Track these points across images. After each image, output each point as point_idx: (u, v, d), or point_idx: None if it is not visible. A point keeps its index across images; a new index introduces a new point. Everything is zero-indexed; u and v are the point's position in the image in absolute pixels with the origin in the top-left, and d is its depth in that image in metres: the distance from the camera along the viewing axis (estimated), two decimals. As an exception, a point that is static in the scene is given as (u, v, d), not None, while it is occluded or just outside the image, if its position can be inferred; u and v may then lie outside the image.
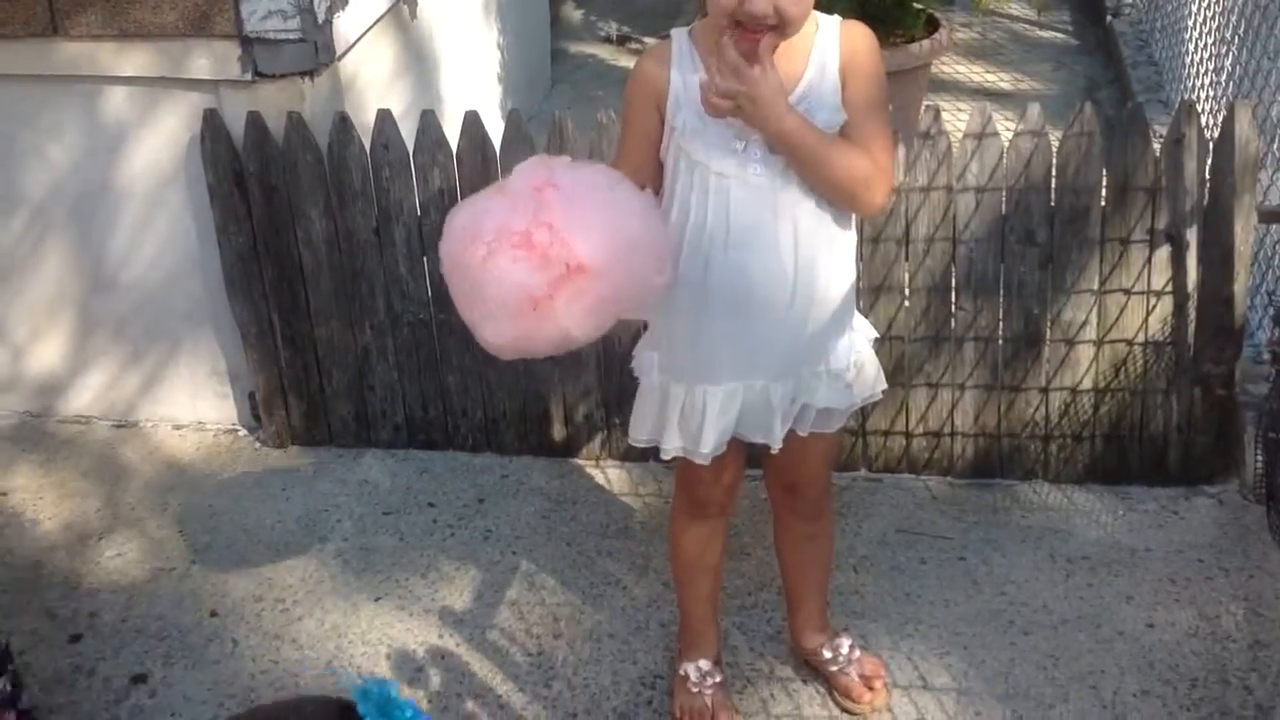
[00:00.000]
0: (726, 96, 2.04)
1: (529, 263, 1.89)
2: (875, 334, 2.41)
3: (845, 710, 2.53)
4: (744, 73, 2.02)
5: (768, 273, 2.18)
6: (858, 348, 2.33)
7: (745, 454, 2.41)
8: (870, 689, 2.53)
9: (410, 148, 3.15)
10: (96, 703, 2.65)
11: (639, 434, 2.35)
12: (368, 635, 2.78)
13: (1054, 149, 2.94)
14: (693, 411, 2.27)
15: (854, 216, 2.27)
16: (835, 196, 2.17)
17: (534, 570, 2.95)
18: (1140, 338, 3.02)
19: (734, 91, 2.03)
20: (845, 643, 2.56)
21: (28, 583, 3.00)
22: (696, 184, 2.16)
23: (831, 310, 2.25)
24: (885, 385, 2.40)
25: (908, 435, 3.18)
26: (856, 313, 2.37)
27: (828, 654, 2.55)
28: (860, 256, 3.02)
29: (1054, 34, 5.62)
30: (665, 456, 2.32)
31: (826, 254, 2.22)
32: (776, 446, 2.29)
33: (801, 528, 2.51)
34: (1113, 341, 3.03)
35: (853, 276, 2.31)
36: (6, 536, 3.17)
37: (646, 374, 2.33)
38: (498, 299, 1.92)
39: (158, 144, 3.32)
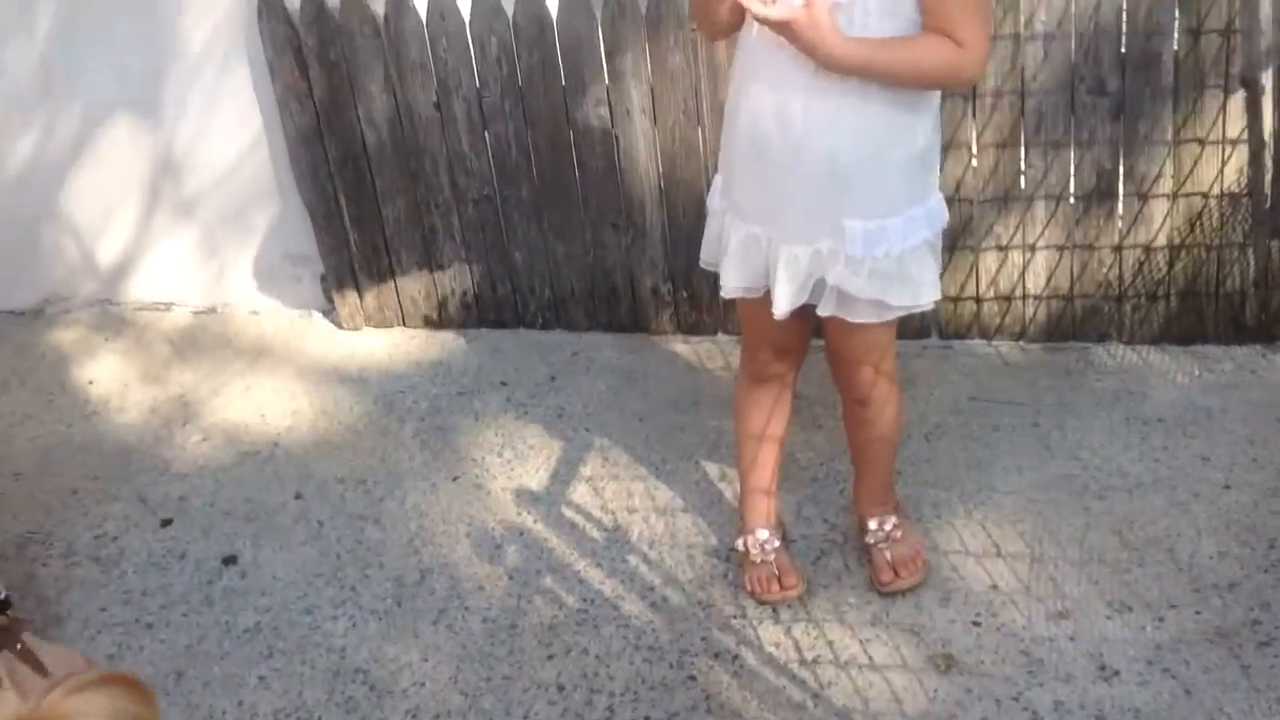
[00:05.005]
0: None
1: None
2: (928, 234, 2.24)
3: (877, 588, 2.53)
4: (768, 14, 2.03)
5: (780, 121, 2.16)
6: (897, 242, 2.20)
7: (808, 325, 2.41)
8: (896, 575, 2.51)
9: (467, 17, 3.11)
10: (190, 584, 2.74)
11: (703, 255, 2.43)
12: (448, 514, 2.85)
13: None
14: (727, 242, 2.32)
15: (921, 105, 2.18)
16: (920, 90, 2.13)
17: (607, 446, 2.99)
18: (1215, 190, 2.95)
19: (771, 23, 2.05)
20: (890, 521, 2.55)
21: (118, 469, 3.09)
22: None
23: (852, 185, 2.17)
24: (938, 296, 2.29)
25: (978, 300, 3.15)
26: (922, 210, 2.23)
27: (872, 526, 2.56)
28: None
29: None
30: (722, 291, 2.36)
31: (851, 123, 2.14)
32: (778, 311, 2.26)
33: (852, 407, 2.50)
34: (1187, 195, 2.97)
35: (895, 161, 2.18)
36: (94, 424, 3.26)
37: (712, 197, 2.40)
38: None
39: (216, 21, 3.31)
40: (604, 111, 3.14)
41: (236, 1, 3.25)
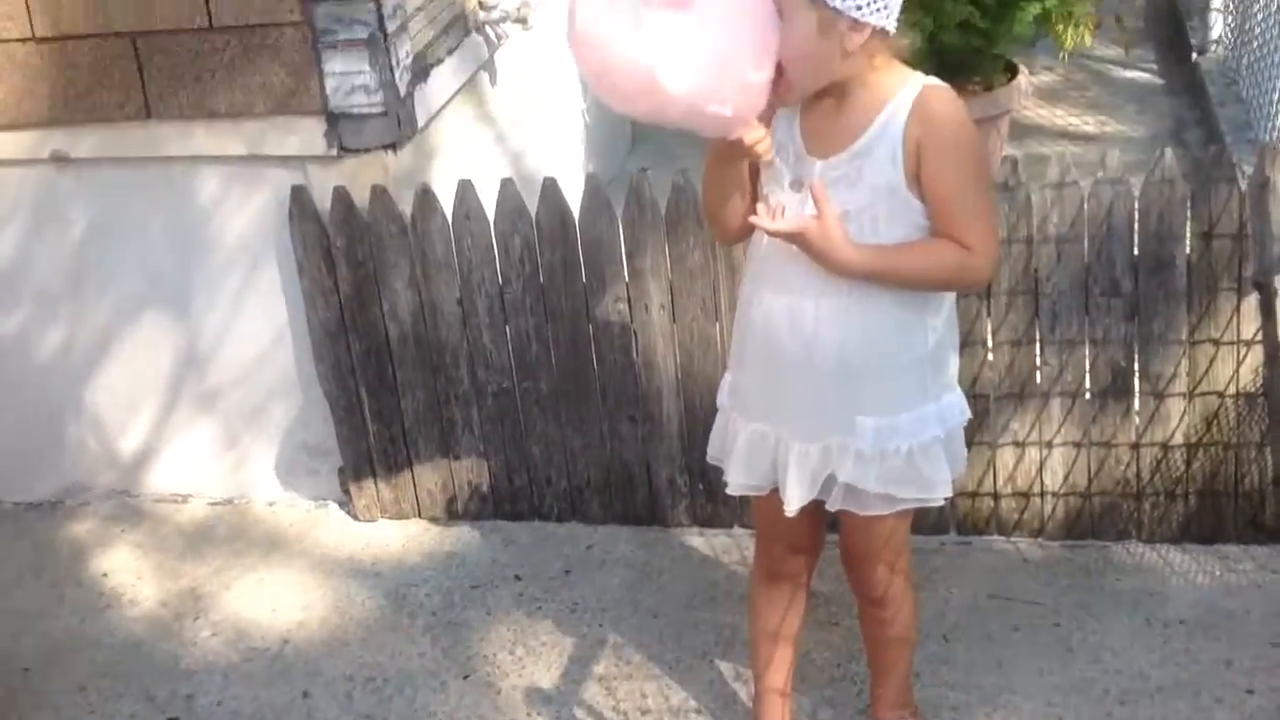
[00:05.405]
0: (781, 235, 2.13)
1: None
2: (939, 431, 2.25)
3: None
4: (779, 227, 2.10)
5: (791, 321, 2.19)
6: (907, 438, 2.22)
7: (822, 522, 2.40)
8: None
9: (491, 217, 3.18)
10: (194, 787, 2.70)
11: (710, 450, 2.45)
12: (456, 714, 2.80)
13: (1136, 196, 2.88)
14: (732, 441, 2.33)
15: (932, 304, 2.22)
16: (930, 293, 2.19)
17: (621, 643, 2.95)
18: (1231, 389, 2.96)
19: (783, 234, 2.11)
20: None
21: (127, 665, 3.06)
22: None
23: (864, 383, 2.19)
24: (949, 493, 2.28)
25: (995, 496, 3.13)
26: (934, 405, 2.25)
27: None
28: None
29: (1139, 73, 5.53)
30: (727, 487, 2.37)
31: (861, 323, 2.17)
32: (789, 509, 2.27)
33: (867, 607, 2.48)
34: (1203, 394, 2.97)
35: (906, 359, 2.21)
36: (107, 618, 3.24)
37: (721, 393, 2.42)
38: None
39: (247, 221, 3.39)
40: (623, 307, 3.19)
41: (268, 202, 3.34)
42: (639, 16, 1.94)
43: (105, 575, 3.41)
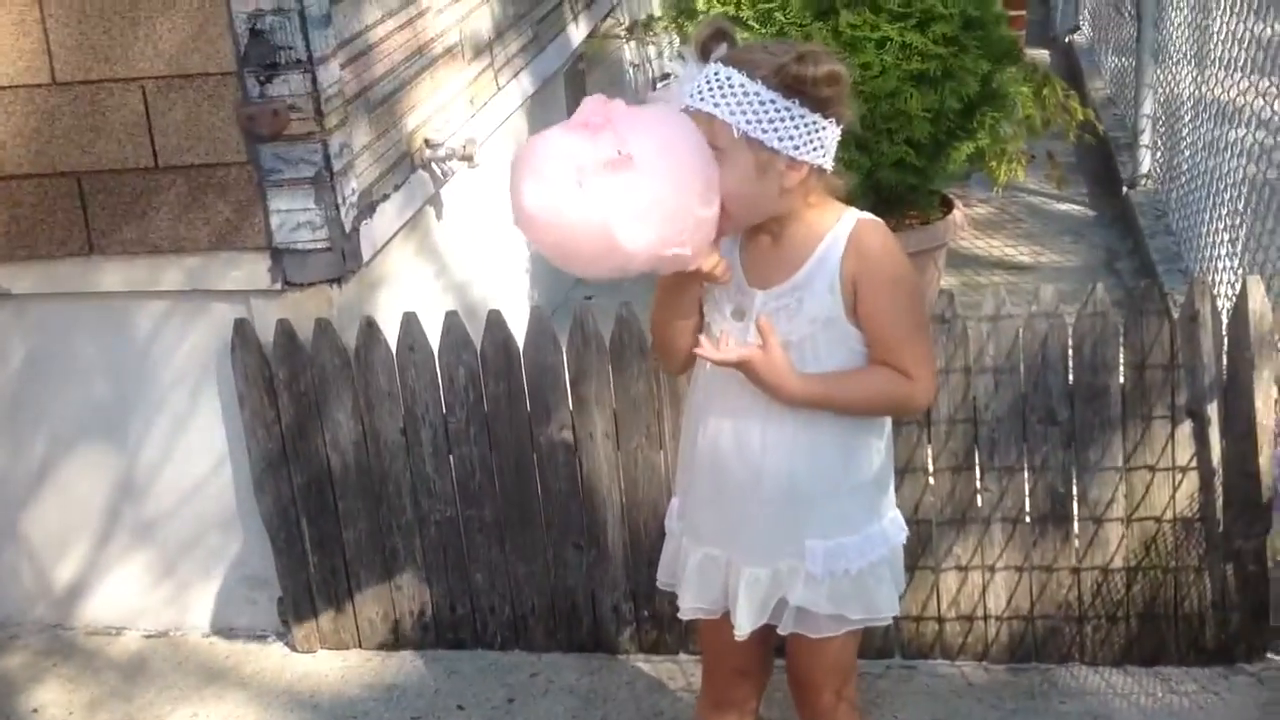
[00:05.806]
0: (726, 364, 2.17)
1: (581, 137, 2.01)
2: (885, 551, 2.29)
3: None
4: (725, 357, 2.15)
5: (739, 447, 2.23)
6: (855, 559, 2.25)
7: (769, 647, 2.39)
8: None
9: (436, 348, 3.20)
10: None
11: (660, 575, 2.46)
12: None
13: (1069, 327, 2.95)
14: (684, 564, 2.34)
15: (874, 427, 2.27)
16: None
17: (564, 775, 2.91)
18: (1168, 514, 3.00)
19: (729, 363, 2.15)
20: None
21: (56, 802, 2.98)
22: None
23: (812, 506, 2.22)
24: (896, 611, 2.32)
25: (940, 620, 3.14)
26: (879, 525, 2.29)
27: None
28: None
29: (1072, 206, 5.67)
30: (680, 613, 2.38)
31: (808, 448, 2.21)
32: (739, 633, 2.27)
33: None
34: (1141, 519, 3.01)
35: (854, 481, 2.25)
36: (36, 755, 3.17)
37: (669, 518, 2.44)
38: (543, 158, 2.03)
39: (189, 353, 3.38)
40: (568, 435, 3.20)
41: (209, 335, 3.34)
42: (585, 184, 2.00)
43: (35, 711, 3.33)
